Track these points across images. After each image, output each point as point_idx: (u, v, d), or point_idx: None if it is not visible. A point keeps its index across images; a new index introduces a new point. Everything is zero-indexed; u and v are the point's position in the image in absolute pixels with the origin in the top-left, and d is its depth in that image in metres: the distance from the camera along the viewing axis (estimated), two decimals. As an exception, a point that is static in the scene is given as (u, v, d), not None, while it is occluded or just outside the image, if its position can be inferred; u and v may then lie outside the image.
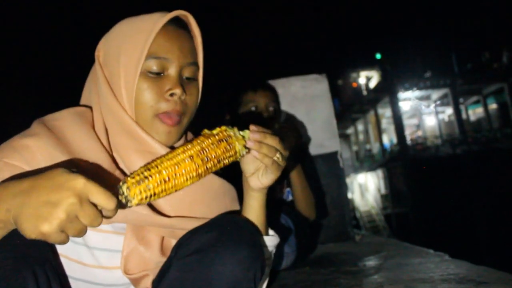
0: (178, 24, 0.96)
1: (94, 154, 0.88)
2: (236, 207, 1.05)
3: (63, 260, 0.86)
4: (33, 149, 0.83)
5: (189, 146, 0.79)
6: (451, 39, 22.42)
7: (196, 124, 1.05)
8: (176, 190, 0.76)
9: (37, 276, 0.71)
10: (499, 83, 21.34)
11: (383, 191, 22.82)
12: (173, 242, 0.95)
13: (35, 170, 0.79)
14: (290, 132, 2.02)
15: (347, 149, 27.73)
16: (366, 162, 25.07)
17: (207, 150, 0.79)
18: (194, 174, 0.77)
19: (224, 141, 0.82)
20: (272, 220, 1.03)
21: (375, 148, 24.05)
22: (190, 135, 1.08)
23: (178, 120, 0.93)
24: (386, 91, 21.49)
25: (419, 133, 23.48)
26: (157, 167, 0.73)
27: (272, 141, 0.86)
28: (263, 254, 0.86)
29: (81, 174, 0.65)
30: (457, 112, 21.50)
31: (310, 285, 1.73)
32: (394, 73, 21.74)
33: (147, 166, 0.74)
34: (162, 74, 0.92)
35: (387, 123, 24.48)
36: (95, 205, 0.66)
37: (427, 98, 22.94)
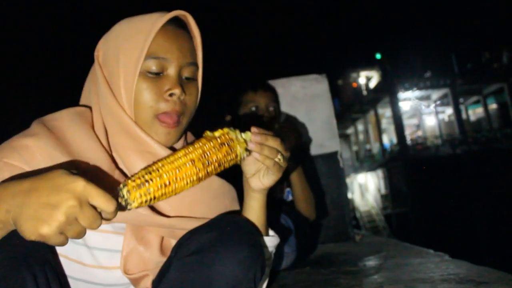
0: (178, 24, 0.95)
1: (94, 154, 0.88)
2: (236, 207, 1.05)
3: (62, 260, 0.86)
4: (33, 149, 0.82)
5: (191, 149, 0.78)
6: (451, 39, 22.41)
7: (196, 124, 1.05)
8: (175, 194, 0.76)
9: (36, 276, 0.71)
10: (499, 83, 21.34)
11: (383, 191, 22.81)
12: (173, 242, 0.95)
13: (35, 171, 0.79)
14: (290, 132, 2.02)
15: (347, 149, 27.72)
16: (366, 162, 25.06)
17: (208, 153, 0.79)
18: (195, 178, 0.77)
19: (226, 145, 0.81)
20: (272, 220, 1.03)
21: (375, 148, 24.05)
22: (189, 135, 1.08)
23: (177, 120, 0.93)
24: (386, 91, 21.50)
25: (419, 133, 23.48)
26: (158, 171, 0.73)
27: (274, 142, 0.86)
28: (263, 254, 0.86)
29: (81, 176, 0.65)
30: (457, 112, 21.50)
31: (310, 285, 1.73)
32: (394, 73, 21.74)
33: (148, 169, 0.73)
34: (161, 74, 0.92)
35: (387, 123, 24.48)
36: (94, 207, 0.66)
37: (427, 98, 22.94)
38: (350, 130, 28.29)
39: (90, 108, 0.97)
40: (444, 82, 21.29)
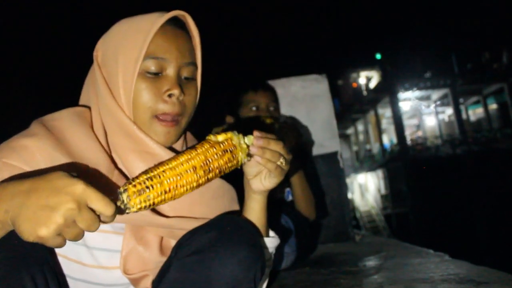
0: (177, 24, 0.95)
1: (93, 154, 0.88)
2: (235, 207, 1.05)
3: (62, 260, 0.86)
4: (32, 149, 0.82)
5: (193, 154, 0.78)
6: (451, 39, 22.40)
7: (196, 124, 1.05)
8: (174, 199, 0.76)
9: (34, 276, 0.71)
10: (499, 83, 21.33)
11: (383, 191, 22.81)
12: (172, 242, 0.95)
13: (35, 171, 0.79)
14: (290, 132, 2.02)
15: (347, 149, 27.73)
16: (366, 162, 25.05)
17: (210, 160, 0.79)
18: (195, 184, 0.77)
19: (229, 152, 0.81)
20: (272, 221, 1.03)
21: (375, 148, 24.04)
22: (189, 135, 1.08)
23: (177, 121, 0.93)
24: (386, 91, 21.49)
25: (419, 133, 23.47)
26: (159, 177, 0.73)
27: (276, 146, 0.86)
28: (263, 254, 0.86)
29: (80, 179, 0.65)
30: (457, 112, 21.49)
31: (310, 285, 1.73)
32: (394, 73, 21.73)
33: (149, 174, 0.73)
34: (160, 74, 0.92)
35: (387, 123, 24.48)
36: (93, 210, 0.66)
37: (427, 98, 22.93)
38: (350, 130, 28.28)
39: (89, 108, 0.97)
40: (444, 82, 21.28)
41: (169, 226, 0.90)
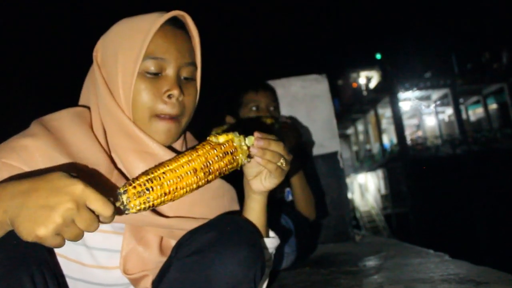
0: (176, 24, 0.95)
1: (92, 155, 0.88)
2: (235, 207, 1.05)
3: (62, 260, 0.86)
4: (32, 149, 0.82)
5: (194, 155, 0.77)
6: (451, 39, 22.42)
7: (196, 124, 1.05)
8: (173, 201, 0.76)
9: (33, 276, 0.71)
10: (499, 83, 21.33)
11: (383, 191, 22.81)
12: (172, 242, 0.95)
13: (34, 171, 0.79)
14: (290, 132, 2.02)
15: (347, 149, 27.72)
16: (366, 162, 25.05)
17: (211, 162, 0.78)
18: (194, 186, 0.77)
19: (229, 154, 0.81)
20: (272, 221, 1.03)
21: (375, 148, 24.04)
22: (189, 135, 1.08)
23: (177, 119, 0.93)
24: (386, 91, 21.49)
25: (419, 133, 23.47)
26: (160, 179, 0.73)
27: (277, 147, 0.86)
28: (263, 254, 0.86)
29: (80, 179, 0.65)
30: (457, 112, 21.49)
31: (310, 285, 1.72)
32: (394, 73, 21.73)
33: (149, 176, 0.73)
34: (160, 75, 0.92)
35: (387, 123, 24.48)
36: (92, 211, 0.66)
37: (427, 98, 22.93)
38: (350, 130, 28.28)
39: (89, 108, 0.97)
40: (444, 82, 21.28)
41: (169, 226, 0.90)
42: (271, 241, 0.99)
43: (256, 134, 0.85)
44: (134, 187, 0.71)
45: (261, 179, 0.91)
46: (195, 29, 0.99)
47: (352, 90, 26.50)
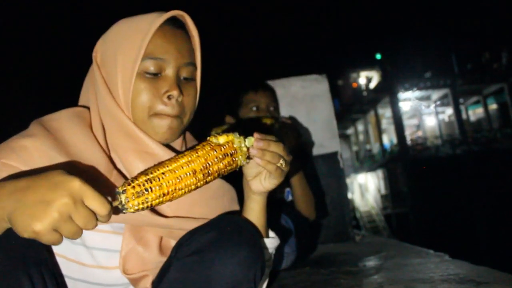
0: (176, 24, 0.95)
1: (92, 155, 0.88)
2: (235, 207, 1.05)
3: (61, 260, 0.86)
4: (31, 150, 0.82)
5: (194, 156, 0.77)
6: (451, 39, 22.40)
7: (196, 124, 1.05)
8: (171, 201, 0.76)
9: (32, 276, 0.71)
10: (499, 83, 21.33)
11: (383, 191, 22.81)
12: (172, 242, 0.95)
13: (33, 170, 0.79)
14: (290, 132, 2.02)
15: (347, 150, 27.72)
16: (366, 162, 25.05)
17: (210, 163, 0.78)
18: (193, 187, 0.77)
19: (229, 155, 0.81)
20: (272, 221, 1.03)
21: (375, 148, 24.05)
22: (188, 135, 1.08)
23: (177, 118, 0.93)
24: (386, 91, 21.49)
25: (419, 133, 23.46)
26: (159, 179, 0.73)
27: (276, 148, 0.86)
28: (263, 254, 0.86)
29: (77, 177, 0.65)
30: (457, 112, 21.48)
31: (310, 285, 1.72)
32: (394, 73, 21.73)
33: (148, 176, 0.72)
34: (159, 75, 0.92)
35: (387, 123, 24.47)
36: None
37: (427, 98, 22.92)
38: (350, 131, 28.28)
39: (88, 108, 0.97)
40: (444, 82, 21.28)
41: (168, 226, 0.90)
42: (271, 241, 0.99)
43: (256, 135, 0.85)
44: (133, 187, 0.70)
45: (261, 179, 0.91)
46: (194, 29, 0.98)
47: (352, 90, 26.50)
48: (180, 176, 0.75)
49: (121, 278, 0.91)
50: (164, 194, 0.73)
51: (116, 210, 0.70)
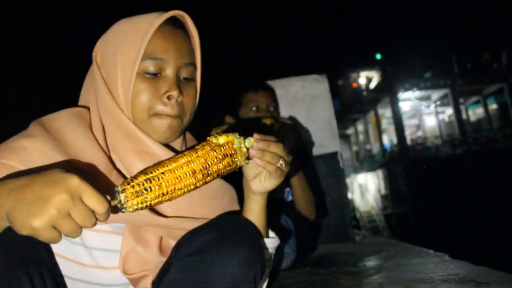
0: (175, 24, 0.95)
1: (91, 155, 0.88)
2: (235, 207, 1.05)
3: (61, 260, 0.86)
4: (30, 150, 0.83)
5: (193, 157, 0.77)
6: (451, 39, 22.44)
7: (196, 124, 1.05)
8: (170, 200, 0.76)
9: (32, 276, 0.71)
10: (499, 83, 21.33)
11: (383, 191, 22.81)
12: (172, 242, 0.95)
13: (32, 169, 0.79)
14: (290, 133, 2.02)
15: (347, 150, 27.72)
16: (366, 162, 25.05)
17: (210, 164, 0.78)
18: (192, 187, 0.77)
19: (229, 156, 0.81)
20: (272, 221, 1.03)
21: (375, 148, 24.04)
22: (188, 135, 1.08)
23: (178, 117, 0.93)
24: (386, 91, 21.49)
25: (419, 133, 23.46)
26: (158, 179, 0.73)
27: (276, 148, 0.86)
28: (263, 254, 0.86)
29: (76, 175, 0.65)
30: (457, 112, 21.48)
31: (310, 285, 1.72)
32: (394, 73, 21.73)
33: (148, 176, 0.72)
34: (159, 75, 0.92)
35: (387, 123, 24.46)
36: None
37: (427, 98, 22.93)
38: (350, 131, 28.28)
39: (88, 108, 0.97)
40: (444, 82, 21.28)
41: (168, 226, 0.90)
42: (271, 241, 0.99)
43: (256, 135, 0.85)
44: (133, 186, 0.70)
45: (261, 180, 0.91)
46: (194, 29, 0.98)
47: (352, 90, 26.49)
48: (180, 176, 0.75)
49: (121, 278, 0.91)
50: (163, 194, 0.73)
51: (115, 209, 0.70)
